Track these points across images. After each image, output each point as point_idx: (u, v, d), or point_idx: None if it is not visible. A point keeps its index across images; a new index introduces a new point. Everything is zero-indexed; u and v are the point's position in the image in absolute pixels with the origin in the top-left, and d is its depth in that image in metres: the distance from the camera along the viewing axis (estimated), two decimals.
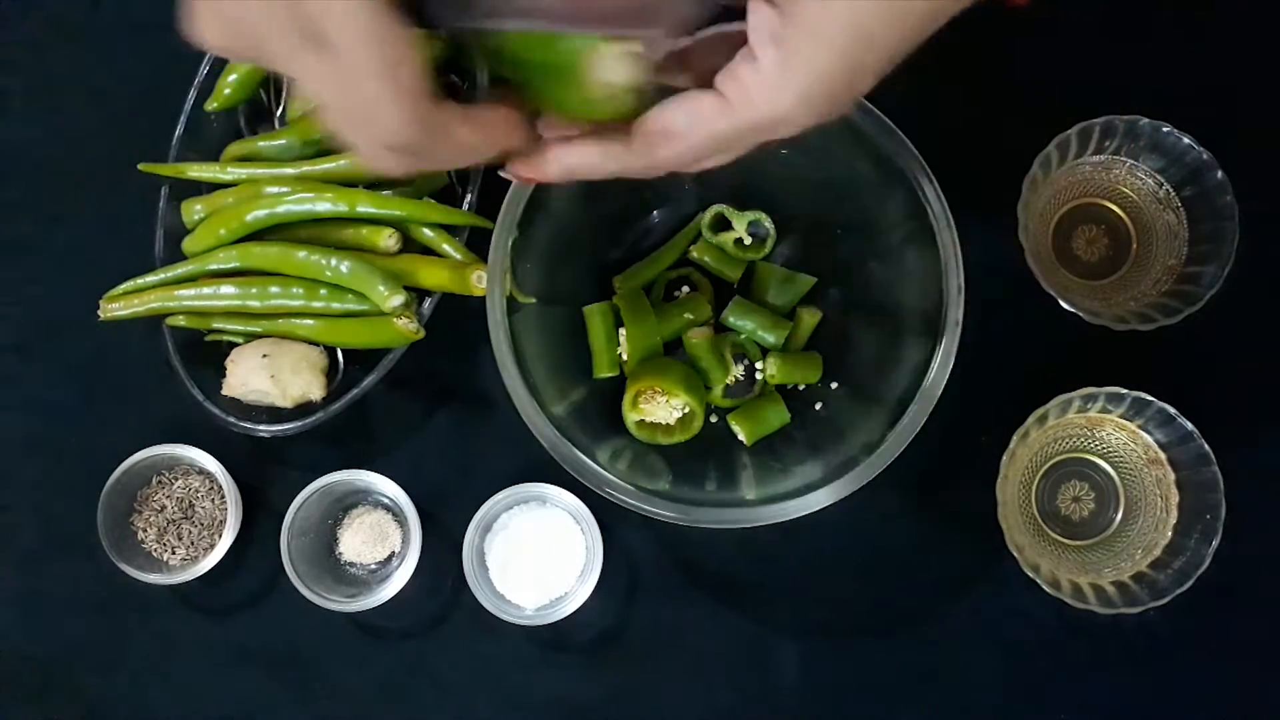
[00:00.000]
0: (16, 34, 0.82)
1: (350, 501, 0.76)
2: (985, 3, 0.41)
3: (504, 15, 0.44)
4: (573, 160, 0.48)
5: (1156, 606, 0.67)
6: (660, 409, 0.70)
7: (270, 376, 0.70)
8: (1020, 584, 0.68)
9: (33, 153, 0.81)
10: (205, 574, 0.73)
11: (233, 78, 0.74)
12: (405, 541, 0.74)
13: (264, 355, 0.71)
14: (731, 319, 0.72)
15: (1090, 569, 0.71)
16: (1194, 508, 0.69)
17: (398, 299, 0.69)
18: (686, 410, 0.70)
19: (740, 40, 0.43)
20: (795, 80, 0.42)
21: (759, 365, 0.72)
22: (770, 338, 0.72)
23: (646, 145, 0.45)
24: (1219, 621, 0.71)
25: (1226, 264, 0.69)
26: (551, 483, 0.71)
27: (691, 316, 0.72)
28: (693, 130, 0.44)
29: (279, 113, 0.77)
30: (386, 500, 0.75)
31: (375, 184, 0.73)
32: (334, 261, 0.70)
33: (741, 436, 0.72)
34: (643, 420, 0.70)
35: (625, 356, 0.72)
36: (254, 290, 0.71)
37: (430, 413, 0.76)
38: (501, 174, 0.50)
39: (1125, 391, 0.69)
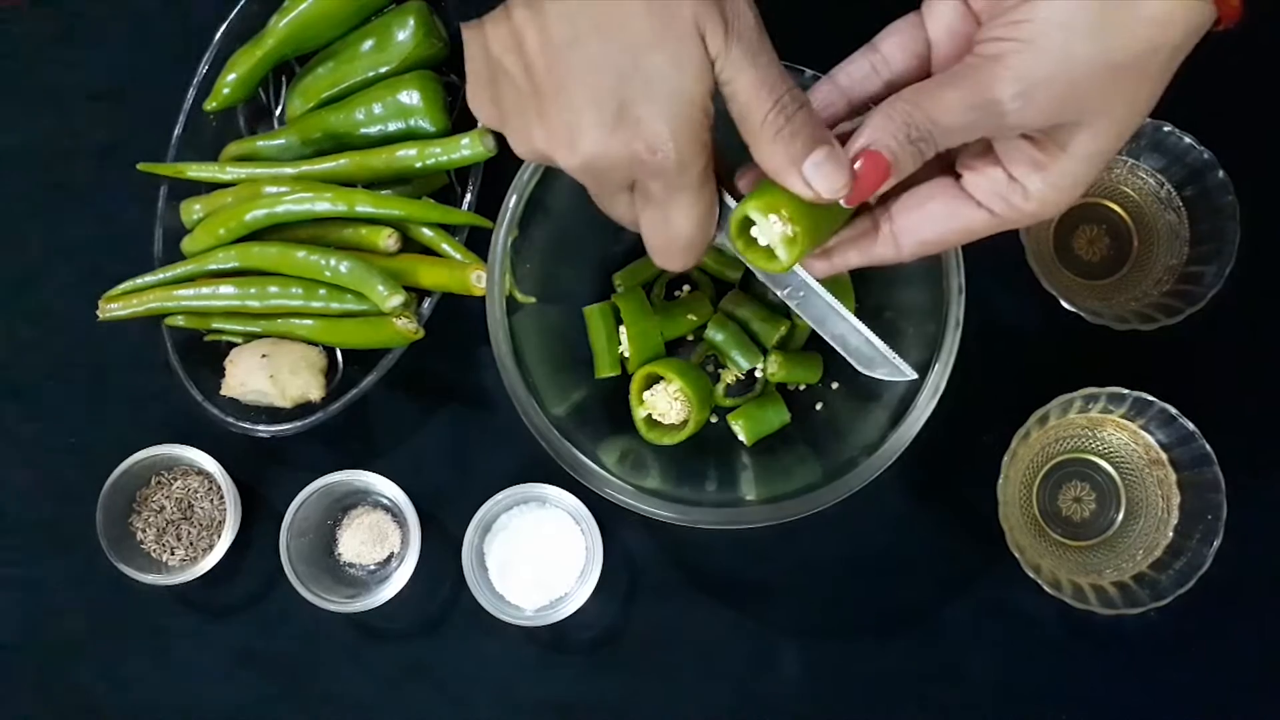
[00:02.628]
0: (16, 34, 0.82)
1: (350, 502, 0.76)
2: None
3: None
4: (851, 261, 0.51)
5: (1158, 607, 0.67)
6: (665, 402, 0.69)
7: (269, 376, 0.70)
8: (1021, 584, 0.68)
9: (33, 153, 0.81)
10: (204, 575, 0.73)
11: (231, 77, 0.74)
12: (405, 542, 0.74)
13: (263, 355, 0.71)
14: (731, 308, 0.72)
15: (1091, 570, 0.71)
16: (1195, 508, 0.69)
17: (397, 299, 0.68)
18: (689, 408, 0.69)
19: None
20: (1063, 198, 0.46)
21: (759, 365, 0.72)
22: (768, 334, 0.72)
23: (916, 248, 0.49)
24: (1220, 622, 0.71)
25: (1228, 264, 0.69)
26: (551, 483, 0.70)
27: (694, 317, 0.72)
28: (958, 235, 0.48)
29: (278, 112, 0.77)
30: (386, 501, 0.74)
31: (374, 184, 0.73)
32: (333, 261, 0.70)
33: (741, 436, 0.72)
34: (649, 416, 0.70)
35: (628, 355, 0.72)
36: (253, 290, 0.71)
37: (430, 413, 0.76)
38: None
39: (1126, 392, 0.69)
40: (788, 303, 0.53)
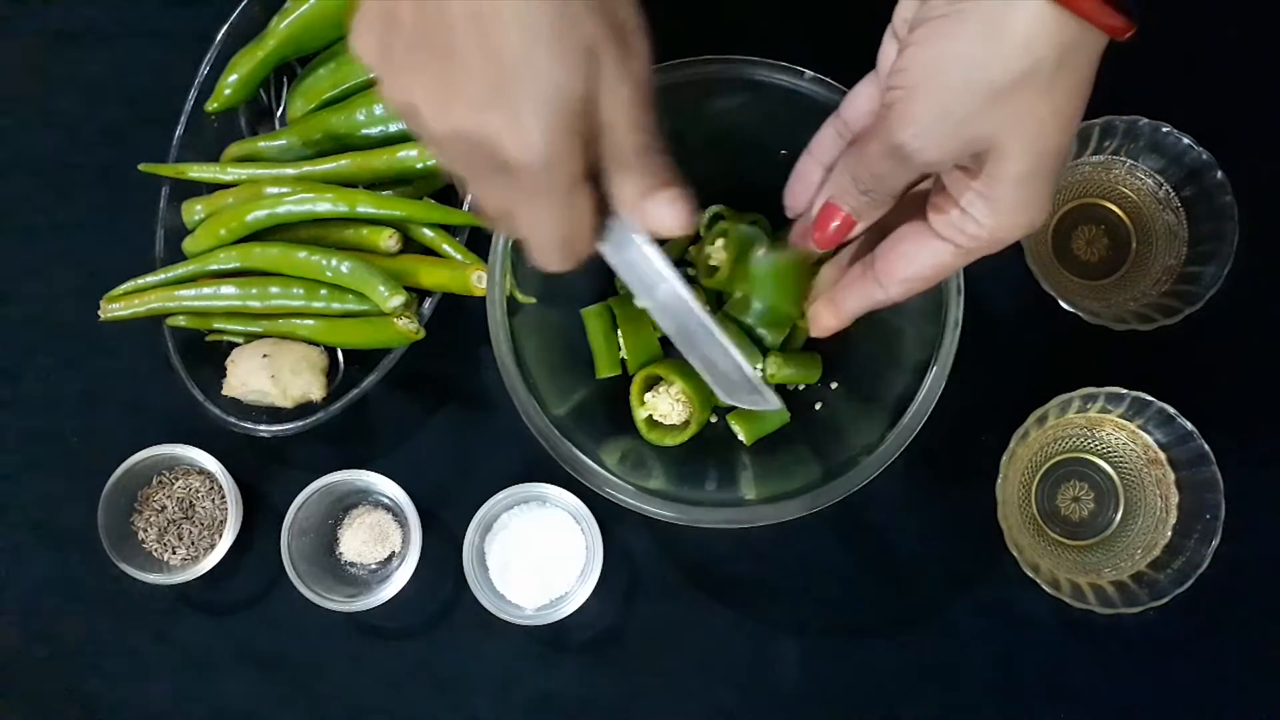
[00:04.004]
0: (18, 35, 0.82)
1: (350, 501, 0.76)
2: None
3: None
4: (847, 312, 0.57)
5: (1156, 606, 0.67)
6: (666, 404, 0.69)
7: (270, 376, 0.70)
8: (1020, 584, 0.68)
9: (33, 153, 0.81)
10: (206, 574, 0.73)
11: (233, 78, 0.74)
12: (405, 541, 0.74)
13: (264, 355, 0.71)
14: (733, 306, 0.73)
15: (1090, 569, 0.71)
16: (1193, 508, 0.69)
17: (398, 299, 0.69)
18: (691, 409, 0.69)
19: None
20: (1015, 219, 0.48)
21: (759, 365, 0.72)
22: (769, 336, 0.72)
23: (903, 288, 0.53)
24: (1219, 622, 0.71)
25: (1226, 264, 0.69)
26: (551, 483, 0.71)
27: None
28: (935, 270, 0.52)
29: (279, 113, 0.77)
30: (387, 500, 0.75)
31: (375, 184, 0.73)
32: (334, 262, 0.70)
33: (741, 436, 0.72)
34: (650, 417, 0.70)
35: (626, 357, 0.72)
36: (254, 290, 0.71)
37: (430, 413, 0.76)
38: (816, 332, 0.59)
39: (1125, 391, 0.69)
40: (654, 318, 0.53)
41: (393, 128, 0.72)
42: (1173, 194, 0.74)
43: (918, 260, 0.51)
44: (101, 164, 0.80)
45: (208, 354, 0.73)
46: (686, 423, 0.70)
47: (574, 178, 0.45)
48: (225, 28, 0.75)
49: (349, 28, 0.45)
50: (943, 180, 0.49)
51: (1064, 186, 0.75)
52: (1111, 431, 0.73)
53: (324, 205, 0.71)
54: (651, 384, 0.70)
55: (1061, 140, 0.46)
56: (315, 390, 0.72)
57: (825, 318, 0.57)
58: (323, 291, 0.71)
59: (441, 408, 0.76)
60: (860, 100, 0.55)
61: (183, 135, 0.75)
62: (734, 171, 0.71)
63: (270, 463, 0.76)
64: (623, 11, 0.44)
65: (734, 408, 0.72)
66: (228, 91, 0.74)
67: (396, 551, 0.75)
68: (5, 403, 0.79)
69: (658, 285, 0.52)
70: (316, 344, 0.73)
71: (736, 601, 0.73)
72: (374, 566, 0.75)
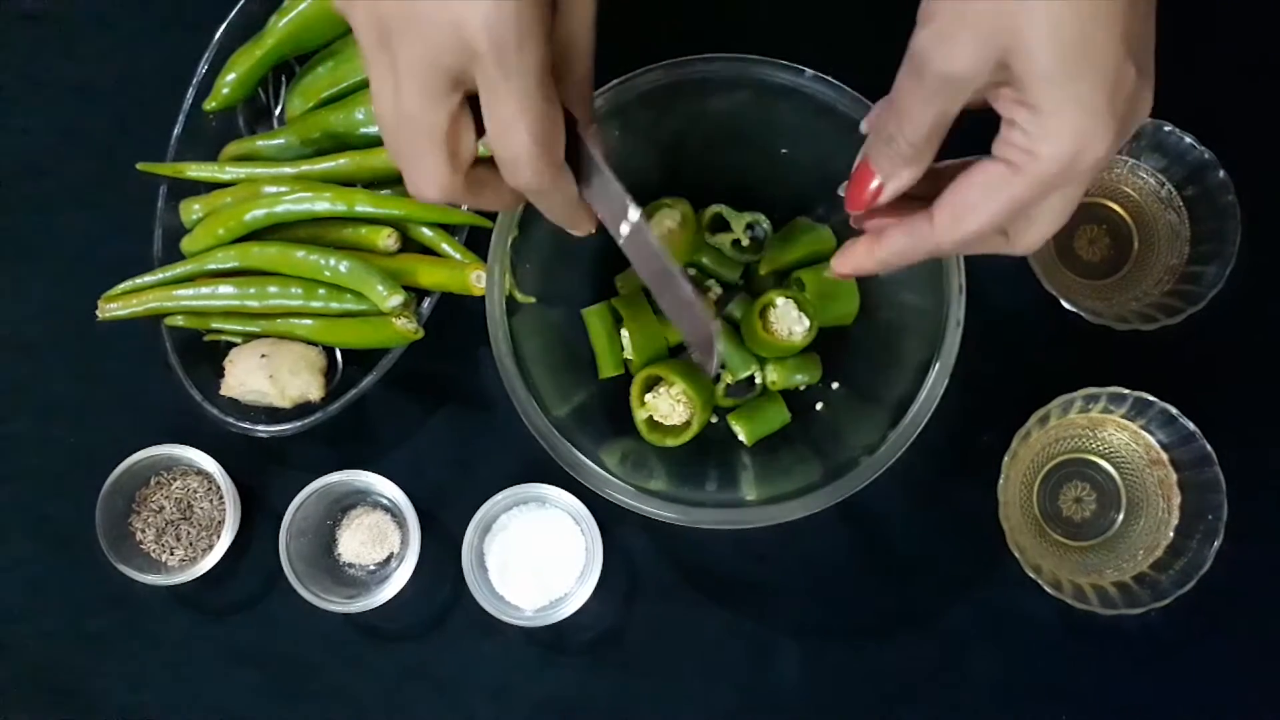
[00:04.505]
0: (15, 34, 0.82)
1: (349, 502, 0.76)
2: None
3: None
4: (887, 252, 0.51)
5: (1158, 607, 0.67)
6: (667, 404, 0.69)
7: (269, 376, 0.70)
8: (1022, 585, 0.68)
9: (32, 153, 0.81)
10: (204, 575, 0.72)
11: (231, 77, 0.74)
12: (404, 542, 0.74)
13: (262, 355, 0.71)
14: (734, 314, 0.72)
15: (1092, 570, 0.71)
16: (1196, 508, 0.69)
17: (396, 299, 0.68)
18: (692, 409, 0.69)
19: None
20: (1063, 124, 0.44)
21: (757, 371, 0.72)
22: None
23: (952, 222, 0.48)
24: (1221, 622, 0.71)
25: (1228, 263, 0.69)
26: (551, 483, 0.70)
27: None
28: (989, 199, 0.46)
29: (277, 112, 0.77)
30: (385, 501, 0.74)
31: (374, 183, 0.73)
32: (333, 261, 0.69)
33: (741, 436, 0.72)
34: (650, 418, 0.70)
35: (630, 357, 0.72)
36: (252, 290, 0.71)
37: (429, 413, 0.76)
38: (833, 272, 0.54)
39: (1127, 392, 0.69)
40: (628, 254, 0.53)
41: None
42: (1175, 193, 0.74)
43: (979, 189, 0.47)
44: (99, 163, 0.79)
45: (206, 354, 0.73)
46: (687, 423, 0.69)
47: (542, 64, 0.45)
48: (223, 26, 0.75)
49: None
50: (997, 109, 0.46)
51: None
52: (1113, 432, 0.72)
53: (322, 204, 0.71)
54: (652, 384, 0.70)
55: (1086, 31, 0.43)
56: (314, 390, 0.71)
57: (859, 257, 0.52)
58: (321, 291, 0.71)
59: (440, 408, 0.76)
60: None
61: (181, 134, 0.75)
62: (734, 171, 0.71)
63: (268, 463, 0.76)
64: None
65: (734, 408, 0.72)
66: (226, 90, 0.74)
67: (395, 552, 0.75)
68: (4, 402, 0.79)
69: (626, 214, 0.51)
70: (315, 344, 0.72)
71: (737, 602, 0.73)
72: (372, 567, 0.75)
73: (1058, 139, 0.44)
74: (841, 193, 0.51)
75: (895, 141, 0.47)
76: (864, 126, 0.51)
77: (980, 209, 0.47)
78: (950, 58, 0.44)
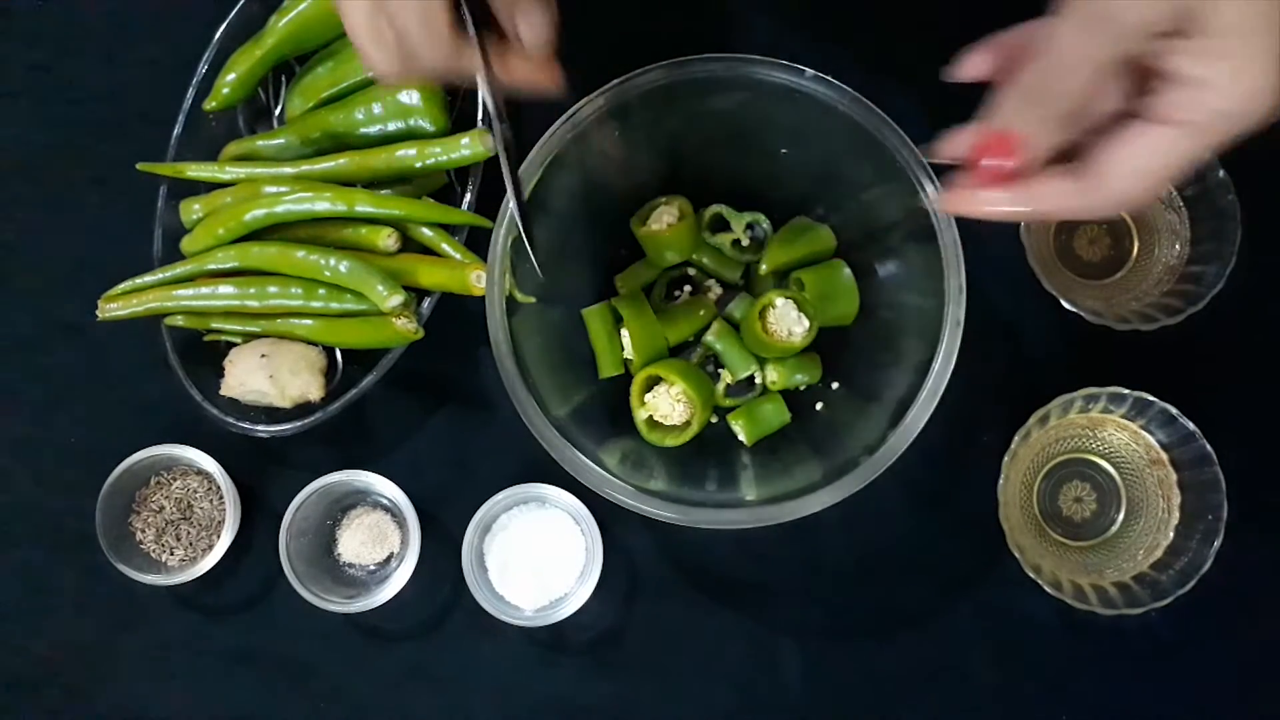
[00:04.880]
0: (16, 33, 0.82)
1: (349, 502, 0.76)
2: None
3: None
4: (1048, 199, 0.48)
5: (1158, 607, 0.67)
6: (667, 404, 0.69)
7: (269, 376, 0.70)
8: (1022, 585, 0.68)
9: (31, 152, 0.81)
10: (204, 575, 0.72)
11: (231, 77, 0.74)
12: (404, 542, 0.73)
13: (262, 355, 0.71)
14: (734, 315, 0.72)
15: (1092, 570, 0.71)
16: (1196, 508, 0.69)
17: (396, 299, 0.68)
18: (692, 409, 0.69)
19: None
20: (1244, 76, 0.43)
21: (757, 372, 0.72)
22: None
23: (1123, 185, 0.46)
24: (1221, 622, 0.71)
25: (1228, 263, 0.69)
26: (551, 483, 0.70)
27: (698, 317, 0.72)
28: (1165, 167, 0.45)
29: (277, 112, 0.77)
30: (385, 501, 0.74)
31: (374, 184, 0.73)
32: (333, 261, 0.69)
33: (741, 436, 0.72)
34: (650, 418, 0.70)
35: (631, 357, 0.72)
36: (252, 290, 0.71)
37: (430, 413, 0.76)
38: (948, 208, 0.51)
39: (1127, 392, 0.69)
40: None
41: (391, 127, 0.72)
42: (1175, 193, 0.73)
43: (1142, 153, 0.45)
44: (99, 163, 0.79)
45: (206, 354, 0.73)
46: (687, 423, 0.69)
47: None
48: (223, 26, 0.75)
49: None
50: (1154, 65, 0.44)
51: None
52: (1113, 432, 0.72)
53: (322, 204, 0.71)
54: (652, 384, 0.70)
55: None
56: (313, 390, 0.71)
57: (1000, 202, 0.48)
58: (321, 291, 0.70)
59: (440, 408, 0.76)
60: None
61: (181, 134, 0.75)
62: (734, 171, 0.71)
63: (268, 463, 0.76)
64: None
65: (734, 408, 0.72)
66: (226, 90, 0.74)
67: (395, 552, 0.75)
68: (3, 402, 0.79)
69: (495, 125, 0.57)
70: (315, 344, 0.72)
71: (737, 602, 0.73)
72: (372, 567, 0.75)
73: (1241, 88, 0.43)
74: (925, 158, 0.49)
75: (1049, 101, 0.44)
76: (946, 141, 0.49)
77: (1158, 176, 0.46)
78: (1129, 5, 0.42)
